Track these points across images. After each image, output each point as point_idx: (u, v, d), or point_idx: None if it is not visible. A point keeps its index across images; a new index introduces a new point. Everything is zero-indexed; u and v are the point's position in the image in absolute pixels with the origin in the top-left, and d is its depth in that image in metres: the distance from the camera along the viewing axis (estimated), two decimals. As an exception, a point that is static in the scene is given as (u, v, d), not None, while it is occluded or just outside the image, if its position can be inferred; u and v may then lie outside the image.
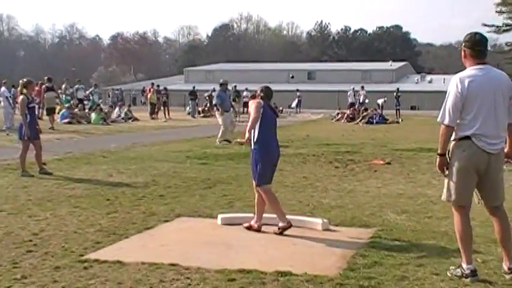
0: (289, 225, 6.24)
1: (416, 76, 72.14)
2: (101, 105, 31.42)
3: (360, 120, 29.67)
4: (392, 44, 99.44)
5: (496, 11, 60.87)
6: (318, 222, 6.54)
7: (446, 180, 4.84)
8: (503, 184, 4.88)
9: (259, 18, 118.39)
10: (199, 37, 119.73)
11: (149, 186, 9.28)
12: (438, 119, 4.71)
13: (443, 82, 63.40)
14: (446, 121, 4.65)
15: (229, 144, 16.18)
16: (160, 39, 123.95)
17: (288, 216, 6.65)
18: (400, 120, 30.93)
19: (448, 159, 4.78)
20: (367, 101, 36.44)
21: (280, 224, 6.26)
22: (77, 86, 31.84)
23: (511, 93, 4.74)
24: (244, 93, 38.64)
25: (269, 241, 5.99)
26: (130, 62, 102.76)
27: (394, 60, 74.77)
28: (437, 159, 4.85)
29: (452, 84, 4.68)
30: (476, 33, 4.84)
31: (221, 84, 17.68)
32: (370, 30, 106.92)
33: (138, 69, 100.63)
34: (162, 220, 6.90)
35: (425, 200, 8.20)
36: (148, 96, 34.82)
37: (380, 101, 36.74)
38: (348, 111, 33.27)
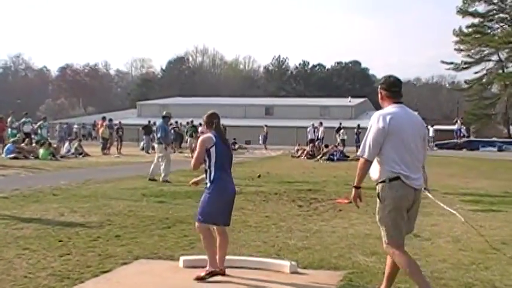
0: (221, 273, 6.07)
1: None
2: (50, 140, 30.82)
3: (321, 157, 29.88)
4: (351, 79, 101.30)
5: (455, 49, 62.95)
6: (285, 264, 6.45)
7: (383, 225, 5.13)
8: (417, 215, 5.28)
9: (215, 52, 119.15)
10: (152, 70, 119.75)
11: (104, 226, 9.05)
12: (358, 153, 5.16)
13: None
14: (365, 155, 5.04)
15: (186, 182, 16.03)
16: (112, 72, 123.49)
17: (253, 259, 6.59)
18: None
19: (378, 201, 5.15)
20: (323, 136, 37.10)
21: (208, 268, 6.06)
22: (23, 120, 31.23)
23: (424, 132, 5.28)
24: (200, 129, 38.55)
25: (236, 285, 5.86)
26: (80, 94, 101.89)
27: (353, 96, 76.01)
28: (353, 192, 5.36)
29: (373, 120, 5.06)
30: (390, 76, 5.37)
31: (164, 117, 17.48)
32: (328, 66, 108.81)
33: (88, 102, 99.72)
34: (120, 263, 6.71)
35: (394, 240, 8.19)
36: (100, 130, 34.39)
37: (340, 135, 37.46)
38: (307, 148, 33.50)
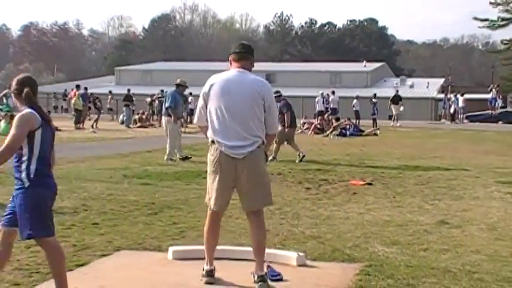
0: None
1: (395, 79, 73.34)
2: (13, 113, 30.76)
3: (331, 132, 29.90)
4: (366, 41, 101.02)
5: (490, 3, 62.53)
6: (292, 256, 6.48)
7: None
8: (263, 189, 5.67)
9: (206, 9, 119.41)
10: (133, 30, 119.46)
11: (79, 213, 9.09)
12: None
13: (427, 87, 64.82)
14: (195, 121, 5.95)
15: (176, 162, 16.08)
16: (85, 32, 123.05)
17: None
18: (378, 131, 31.32)
19: None
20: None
21: None
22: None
23: (266, 102, 5.65)
24: (190, 99, 38.53)
25: (233, 279, 5.89)
26: (47, 58, 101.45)
27: (368, 61, 75.86)
28: None
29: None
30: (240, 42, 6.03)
31: (177, 85, 17.35)
32: (340, 25, 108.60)
33: (57, 68, 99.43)
34: (98, 255, 6.75)
35: (418, 228, 8.24)
36: (73, 101, 34.37)
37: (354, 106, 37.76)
38: (316, 121, 33.50)
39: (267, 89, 5.74)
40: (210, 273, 5.76)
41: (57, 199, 9.99)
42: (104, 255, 6.73)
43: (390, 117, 40.66)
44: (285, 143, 17.32)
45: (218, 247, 6.06)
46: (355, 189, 11.83)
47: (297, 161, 16.58)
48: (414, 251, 7.01)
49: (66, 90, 50.25)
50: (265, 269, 5.66)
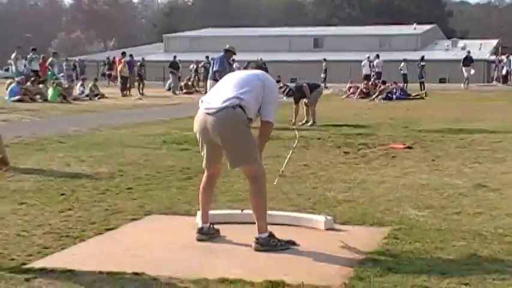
0: None
1: (447, 42, 72.02)
2: (61, 80, 31.25)
3: (377, 96, 29.56)
4: (417, 2, 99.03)
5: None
6: (320, 220, 6.42)
7: None
8: (235, 150, 5.68)
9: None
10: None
11: (115, 178, 9.17)
12: None
13: (480, 48, 63.43)
14: None
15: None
16: (135, 0, 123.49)
17: (281, 213, 6.62)
18: (425, 95, 30.84)
19: None
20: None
21: None
22: (30, 55, 31.57)
23: (265, 85, 5.74)
24: (235, 65, 38.42)
25: (236, 239, 5.94)
26: (98, 27, 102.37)
27: (419, 23, 74.49)
28: None
29: None
30: None
31: (226, 51, 17.12)
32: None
33: (107, 36, 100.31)
34: (129, 219, 6.78)
35: (454, 192, 8.08)
36: (119, 68, 34.66)
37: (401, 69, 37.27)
38: (362, 85, 33.15)
39: (268, 77, 5.90)
40: (200, 231, 5.96)
41: (94, 165, 10.25)
42: (134, 219, 6.77)
43: (440, 80, 40.14)
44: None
45: (229, 211, 6.43)
46: (394, 153, 11.67)
47: (299, 123, 16.46)
48: (447, 214, 6.87)
49: (108, 57, 50.41)
50: (266, 234, 5.63)
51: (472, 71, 39.83)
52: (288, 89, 16.83)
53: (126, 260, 5.31)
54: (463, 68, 39.30)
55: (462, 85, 38.44)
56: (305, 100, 17.10)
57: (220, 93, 5.75)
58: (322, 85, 18.06)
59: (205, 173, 6.17)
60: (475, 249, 5.53)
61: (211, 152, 5.91)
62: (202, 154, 6.03)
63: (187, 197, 7.90)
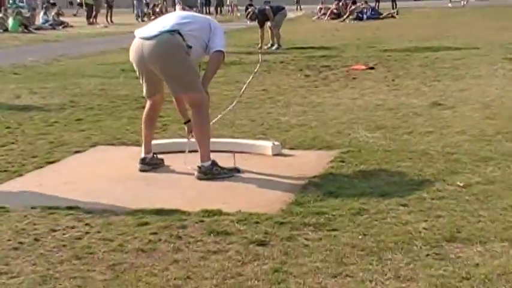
0: None
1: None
2: (22, 8, 30.49)
3: (347, 17, 29.17)
4: None
5: None
6: (267, 146, 6.30)
7: None
8: (183, 74, 5.49)
9: None
10: None
11: (66, 109, 8.99)
12: None
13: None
14: None
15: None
16: None
17: (228, 140, 6.46)
18: (396, 13, 30.46)
19: None
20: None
21: None
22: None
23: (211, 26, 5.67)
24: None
25: (179, 169, 5.84)
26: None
27: None
28: None
29: None
30: None
31: None
32: None
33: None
34: (73, 151, 6.62)
35: (408, 111, 7.99)
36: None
37: None
38: (333, 6, 32.67)
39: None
40: (142, 161, 5.84)
41: (46, 96, 10.01)
42: (78, 152, 6.61)
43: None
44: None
45: (176, 139, 6.40)
46: (355, 74, 11.54)
47: (265, 47, 16.46)
48: (397, 134, 6.78)
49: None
50: (208, 162, 5.51)
51: None
52: (251, 13, 16.64)
53: (63, 193, 5.16)
54: None
55: (462, 2, 38.57)
56: (269, 23, 16.84)
57: (159, 24, 5.65)
58: (287, 7, 17.67)
59: (148, 102, 5.96)
60: (419, 169, 5.45)
61: (151, 81, 5.71)
62: (142, 83, 5.83)
63: (137, 127, 7.63)
